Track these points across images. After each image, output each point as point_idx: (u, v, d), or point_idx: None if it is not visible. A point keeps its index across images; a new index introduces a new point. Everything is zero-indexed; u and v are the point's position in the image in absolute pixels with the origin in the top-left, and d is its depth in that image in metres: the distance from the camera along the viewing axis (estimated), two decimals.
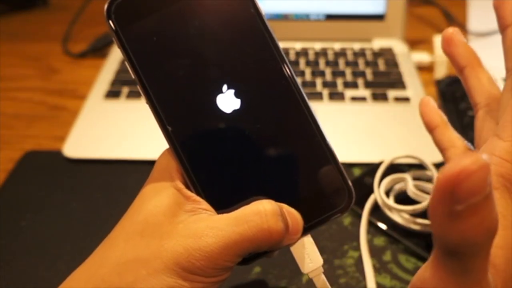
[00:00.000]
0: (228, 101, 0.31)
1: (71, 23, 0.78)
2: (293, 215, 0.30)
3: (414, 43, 0.72)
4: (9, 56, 0.73)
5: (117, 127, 0.57)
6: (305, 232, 0.31)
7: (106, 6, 0.30)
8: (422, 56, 0.68)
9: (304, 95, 0.31)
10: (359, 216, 0.45)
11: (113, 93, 0.62)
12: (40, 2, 0.86)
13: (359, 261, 0.42)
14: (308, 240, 0.31)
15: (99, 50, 0.72)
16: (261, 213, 0.28)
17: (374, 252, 0.43)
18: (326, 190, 0.31)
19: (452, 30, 0.33)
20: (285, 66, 0.31)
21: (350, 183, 0.31)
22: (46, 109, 0.63)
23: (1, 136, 0.58)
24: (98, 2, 0.82)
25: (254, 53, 0.31)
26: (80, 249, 0.44)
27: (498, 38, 0.32)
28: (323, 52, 0.68)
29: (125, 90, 0.62)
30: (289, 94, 0.31)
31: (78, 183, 0.51)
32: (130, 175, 0.51)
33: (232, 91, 0.31)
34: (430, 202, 0.20)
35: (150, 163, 0.54)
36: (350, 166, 0.52)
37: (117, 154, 0.53)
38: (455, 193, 0.19)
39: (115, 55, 0.69)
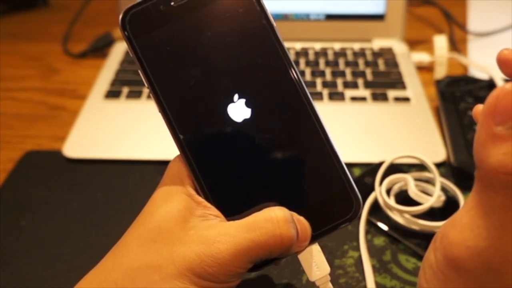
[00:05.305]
0: (238, 110, 0.31)
1: (71, 23, 0.78)
2: (302, 223, 0.30)
3: (414, 43, 0.72)
4: (9, 56, 0.73)
5: (117, 127, 0.57)
6: (313, 240, 0.31)
7: (121, 16, 0.30)
8: (422, 56, 0.68)
9: (314, 105, 0.31)
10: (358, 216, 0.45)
11: (113, 93, 0.62)
12: (40, 2, 0.86)
13: (359, 261, 0.42)
14: (315, 248, 0.31)
15: (99, 50, 0.72)
16: (273, 220, 0.29)
17: (374, 252, 0.43)
18: (334, 199, 0.31)
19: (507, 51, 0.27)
20: (296, 77, 0.31)
21: (358, 193, 0.31)
22: (46, 109, 0.63)
23: (1, 136, 0.58)
24: (98, 2, 0.82)
25: (265, 63, 0.31)
26: (80, 249, 0.44)
27: (498, 38, 0.32)
28: (323, 52, 0.68)
29: (125, 90, 0.62)
30: (298, 105, 0.31)
31: (78, 183, 0.51)
32: (130, 175, 0.51)
33: (243, 100, 0.31)
34: (477, 126, 0.22)
35: (150, 163, 0.54)
36: (350, 166, 0.52)
37: (117, 154, 0.53)
38: (496, 112, 0.21)
39: (115, 55, 0.69)
